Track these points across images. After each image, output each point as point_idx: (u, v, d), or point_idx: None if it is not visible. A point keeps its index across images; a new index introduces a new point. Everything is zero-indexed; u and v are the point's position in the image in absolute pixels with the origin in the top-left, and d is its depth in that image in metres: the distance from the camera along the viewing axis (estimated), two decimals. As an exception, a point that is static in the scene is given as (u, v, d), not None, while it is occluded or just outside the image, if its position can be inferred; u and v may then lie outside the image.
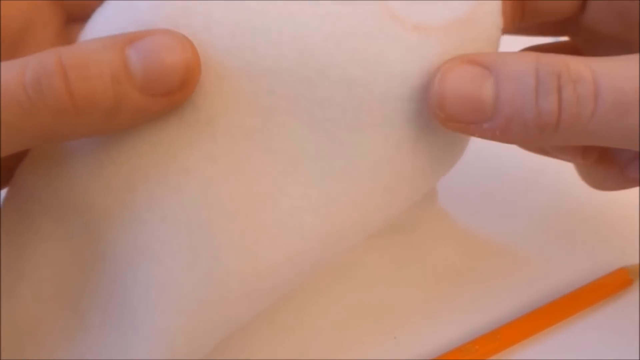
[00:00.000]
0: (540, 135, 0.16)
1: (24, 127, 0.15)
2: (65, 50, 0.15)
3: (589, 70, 0.16)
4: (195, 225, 0.17)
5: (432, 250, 0.26)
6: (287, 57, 0.17)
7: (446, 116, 0.17)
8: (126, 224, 0.17)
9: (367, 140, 0.17)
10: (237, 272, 0.17)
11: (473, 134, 0.17)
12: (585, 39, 0.22)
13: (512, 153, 0.21)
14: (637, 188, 0.28)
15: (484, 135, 0.17)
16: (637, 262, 0.26)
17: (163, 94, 0.16)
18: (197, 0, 0.17)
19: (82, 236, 0.18)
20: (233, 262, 0.17)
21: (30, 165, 0.18)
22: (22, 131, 0.15)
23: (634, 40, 0.19)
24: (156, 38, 0.16)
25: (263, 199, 0.17)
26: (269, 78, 0.17)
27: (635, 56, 0.16)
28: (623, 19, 0.19)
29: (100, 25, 0.18)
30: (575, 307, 0.24)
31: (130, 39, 0.16)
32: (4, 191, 0.19)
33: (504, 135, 0.16)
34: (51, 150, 0.18)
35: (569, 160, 0.22)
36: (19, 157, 0.19)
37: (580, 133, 0.16)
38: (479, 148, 0.21)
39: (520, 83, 0.16)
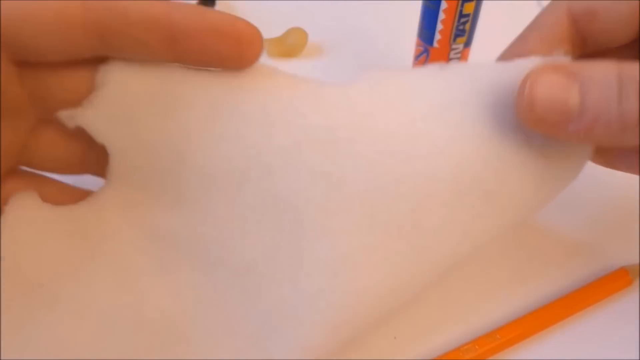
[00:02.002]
0: (622, 133, 0.18)
1: None
2: None
3: None
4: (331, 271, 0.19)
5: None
6: (444, 169, 0.19)
7: (535, 118, 0.18)
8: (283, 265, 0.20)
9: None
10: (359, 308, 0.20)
11: (558, 135, 0.19)
12: None
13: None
14: (637, 188, 0.28)
15: (568, 136, 0.19)
16: (637, 262, 0.26)
17: None
18: None
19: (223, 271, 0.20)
20: (355, 305, 0.19)
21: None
22: None
23: None
24: None
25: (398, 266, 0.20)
26: (427, 192, 0.19)
27: None
28: None
29: None
30: (575, 307, 0.24)
31: None
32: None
33: (587, 134, 0.18)
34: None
35: (635, 173, 0.23)
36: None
37: None
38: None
39: (604, 87, 0.17)
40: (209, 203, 0.20)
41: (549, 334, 0.24)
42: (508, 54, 0.23)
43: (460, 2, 0.27)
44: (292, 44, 0.38)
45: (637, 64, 0.18)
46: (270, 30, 0.39)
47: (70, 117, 0.19)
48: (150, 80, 0.20)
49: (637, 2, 0.20)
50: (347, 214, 0.19)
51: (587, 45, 0.22)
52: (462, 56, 0.30)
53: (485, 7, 0.29)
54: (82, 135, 0.20)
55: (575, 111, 0.18)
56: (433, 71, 0.21)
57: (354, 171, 0.19)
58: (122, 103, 0.19)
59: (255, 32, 0.19)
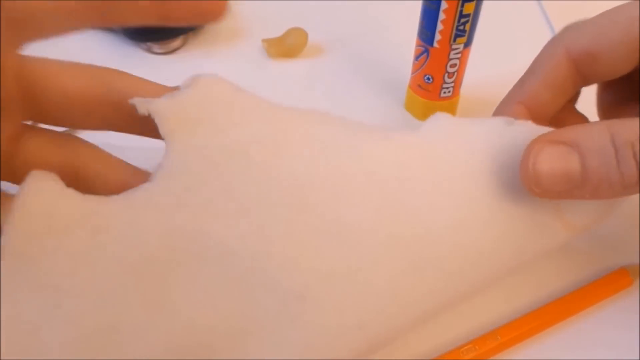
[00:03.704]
0: (624, 191, 0.19)
1: None
2: None
3: None
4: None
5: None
6: (477, 225, 0.21)
7: (542, 191, 0.20)
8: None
9: None
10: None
11: (565, 198, 0.21)
12: None
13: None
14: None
15: (575, 197, 0.20)
16: (637, 262, 0.26)
17: None
18: None
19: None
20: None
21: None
22: None
23: None
24: None
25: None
26: (456, 242, 0.21)
27: None
28: None
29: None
30: (575, 307, 0.24)
31: None
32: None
33: (593, 195, 0.20)
34: None
35: None
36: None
37: None
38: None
39: (602, 155, 0.19)
40: (269, 219, 0.19)
41: (549, 334, 0.24)
42: (510, 99, 0.24)
43: (460, 2, 0.27)
44: (292, 44, 0.38)
45: (627, 123, 0.19)
46: (270, 30, 0.39)
47: (144, 103, 0.19)
48: (232, 90, 0.20)
49: (636, 41, 0.21)
50: (402, 252, 0.20)
51: (587, 81, 0.23)
52: (462, 56, 0.30)
53: (485, 7, 0.29)
54: (67, 144, 0.20)
55: (579, 179, 0.19)
56: (501, 126, 0.22)
57: (411, 215, 0.20)
58: (202, 105, 0.19)
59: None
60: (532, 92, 0.23)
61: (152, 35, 0.36)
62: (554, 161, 0.20)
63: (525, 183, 0.20)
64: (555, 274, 0.26)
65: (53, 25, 0.18)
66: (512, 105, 0.23)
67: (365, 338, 0.19)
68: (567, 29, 0.23)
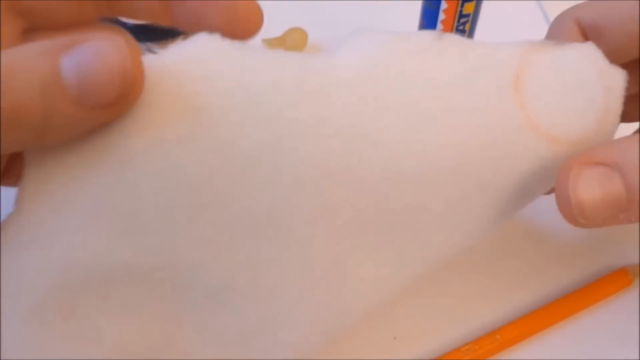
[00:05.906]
0: None
1: None
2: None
3: None
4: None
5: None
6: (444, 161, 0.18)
7: (587, 221, 0.18)
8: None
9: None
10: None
11: (612, 225, 0.18)
12: None
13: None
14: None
15: (619, 222, 0.18)
16: (637, 262, 0.26)
17: (99, 106, 0.15)
18: None
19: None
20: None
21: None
22: None
23: None
24: (92, 44, 0.14)
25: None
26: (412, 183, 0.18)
27: None
28: None
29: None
30: (575, 307, 0.24)
31: (66, 46, 0.14)
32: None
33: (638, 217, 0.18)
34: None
35: None
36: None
37: None
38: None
39: None
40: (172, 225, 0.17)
41: (549, 334, 0.24)
42: None
43: (460, 2, 0.27)
44: (292, 44, 0.38)
45: None
46: (270, 30, 0.39)
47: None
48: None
49: None
50: (334, 218, 0.18)
51: None
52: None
53: (485, 7, 0.29)
54: None
55: (624, 202, 0.17)
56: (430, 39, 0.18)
57: (342, 171, 0.17)
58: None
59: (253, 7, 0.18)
60: None
61: (152, 35, 0.36)
62: (594, 187, 0.17)
63: (567, 216, 0.18)
64: (555, 274, 0.26)
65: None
66: None
67: (313, 311, 0.19)
68: (582, 2, 0.21)
